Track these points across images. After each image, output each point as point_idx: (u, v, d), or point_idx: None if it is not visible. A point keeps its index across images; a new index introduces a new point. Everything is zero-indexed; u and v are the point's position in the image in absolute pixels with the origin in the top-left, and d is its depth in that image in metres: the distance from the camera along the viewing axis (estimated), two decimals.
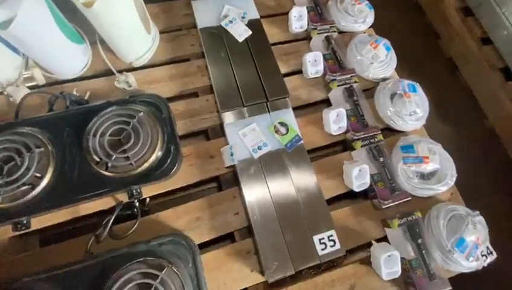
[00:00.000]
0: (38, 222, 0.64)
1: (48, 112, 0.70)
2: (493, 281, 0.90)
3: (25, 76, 0.74)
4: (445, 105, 1.22)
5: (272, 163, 0.71)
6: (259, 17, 0.89)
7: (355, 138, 0.76)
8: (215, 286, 0.63)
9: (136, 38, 0.75)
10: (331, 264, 0.69)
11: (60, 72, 0.76)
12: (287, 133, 0.72)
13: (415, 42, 1.38)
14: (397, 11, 1.45)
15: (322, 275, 0.67)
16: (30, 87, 0.75)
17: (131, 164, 0.64)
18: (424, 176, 0.76)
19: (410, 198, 0.72)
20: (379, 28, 0.97)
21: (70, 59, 0.75)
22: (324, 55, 0.85)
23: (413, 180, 0.74)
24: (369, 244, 0.70)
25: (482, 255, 0.68)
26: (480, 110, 1.24)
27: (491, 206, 0.91)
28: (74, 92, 0.73)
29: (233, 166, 0.71)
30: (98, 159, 0.64)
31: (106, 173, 0.64)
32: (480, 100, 1.24)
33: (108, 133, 0.65)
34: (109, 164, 0.64)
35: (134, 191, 0.65)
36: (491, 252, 0.69)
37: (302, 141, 0.73)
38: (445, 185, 0.74)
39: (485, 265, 0.68)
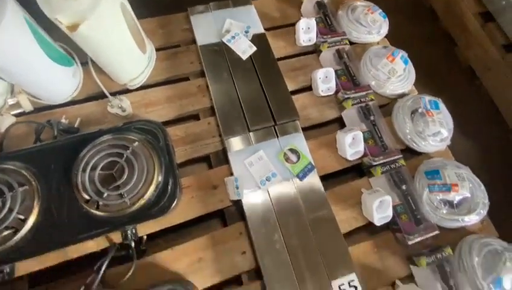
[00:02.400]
0: (24, 267, 0.58)
1: (34, 143, 0.65)
2: None
3: (10, 103, 0.69)
4: (466, 118, 1.14)
5: (282, 195, 0.64)
6: (264, 30, 0.83)
7: (374, 163, 0.69)
8: None
9: (129, 59, 0.70)
10: None
11: (49, 97, 0.71)
12: (298, 161, 0.66)
13: (430, 50, 1.32)
14: (409, 18, 1.39)
15: None
16: (16, 115, 0.70)
17: (124, 201, 0.58)
18: (453, 205, 0.68)
19: (438, 232, 0.65)
20: (391, 36, 0.91)
21: (58, 83, 0.70)
22: (336, 71, 0.78)
23: (441, 211, 0.67)
24: (393, 284, 0.63)
25: None
26: (504, 123, 1.16)
27: None
28: (63, 120, 0.68)
29: (239, 200, 0.65)
30: (87, 198, 0.58)
31: (97, 213, 0.58)
32: (504, 112, 1.16)
33: (99, 168, 0.59)
34: (100, 203, 0.58)
35: (128, 232, 0.58)
36: None
37: (315, 170, 0.66)
38: (477, 215, 0.67)
39: None
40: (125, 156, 0.61)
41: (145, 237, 0.64)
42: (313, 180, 0.67)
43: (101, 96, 0.74)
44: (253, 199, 0.63)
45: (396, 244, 0.68)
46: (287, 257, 0.60)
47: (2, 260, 0.55)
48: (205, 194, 0.67)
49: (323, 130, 0.80)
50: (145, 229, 0.63)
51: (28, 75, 0.62)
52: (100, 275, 0.54)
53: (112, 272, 0.59)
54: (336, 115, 0.79)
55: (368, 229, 0.72)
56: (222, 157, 0.72)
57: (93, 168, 0.59)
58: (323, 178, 0.70)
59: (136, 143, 0.62)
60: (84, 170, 0.59)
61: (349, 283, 0.57)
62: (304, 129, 0.75)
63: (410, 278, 0.65)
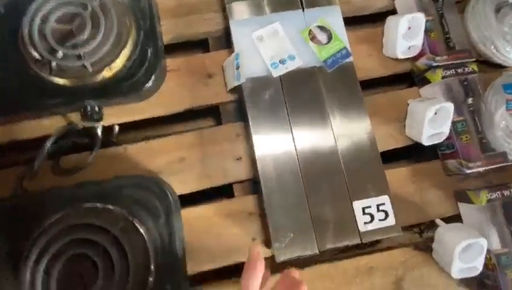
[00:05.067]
0: None
1: None
2: None
3: None
4: None
5: (301, 88, 0.48)
6: None
7: (435, 64, 0.50)
8: (200, 256, 0.45)
9: None
10: (370, 244, 0.49)
11: None
12: (328, 42, 0.48)
13: None
14: None
15: (355, 258, 0.48)
16: None
17: (85, 66, 0.44)
18: None
19: (510, 163, 0.48)
20: None
21: None
22: None
23: None
24: (432, 223, 0.49)
25: None
26: None
27: None
28: None
29: (239, 91, 0.49)
30: (38, 57, 0.44)
31: (50, 78, 0.45)
32: None
33: (53, 18, 0.44)
34: (53, 64, 0.44)
35: (89, 107, 0.45)
36: None
37: (351, 58, 0.49)
38: None
39: None
40: (90, 7, 0.45)
41: (116, 127, 0.50)
42: (348, 74, 0.49)
43: None
44: (259, 87, 0.47)
45: (443, 175, 0.52)
46: (297, 168, 0.45)
47: None
48: (197, 83, 0.52)
49: (367, 25, 0.61)
50: (116, 117, 0.49)
51: None
52: (44, 154, 0.42)
53: (69, 159, 0.47)
54: (386, 4, 0.59)
55: (408, 156, 0.57)
56: (224, 41, 0.55)
57: (45, 19, 0.44)
58: (360, 84, 0.52)
59: None
60: (33, 20, 0.44)
61: (377, 207, 0.42)
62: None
63: (454, 220, 0.50)
